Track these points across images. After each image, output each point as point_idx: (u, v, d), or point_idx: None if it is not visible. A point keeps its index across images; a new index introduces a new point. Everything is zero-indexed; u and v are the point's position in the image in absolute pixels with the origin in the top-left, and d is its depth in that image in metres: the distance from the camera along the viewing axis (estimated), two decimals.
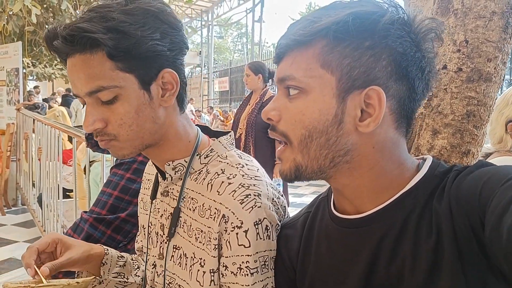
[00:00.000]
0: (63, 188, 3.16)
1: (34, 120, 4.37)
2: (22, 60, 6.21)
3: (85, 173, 2.42)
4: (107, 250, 1.00)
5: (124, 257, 1.04)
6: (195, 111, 15.74)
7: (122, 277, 1.02)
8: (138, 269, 1.07)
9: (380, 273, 0.66)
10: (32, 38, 7.56)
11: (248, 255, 0.77)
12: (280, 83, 0.70)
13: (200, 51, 22.99)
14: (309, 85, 0.66)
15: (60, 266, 0.87)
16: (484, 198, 0.56)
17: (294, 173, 0.69)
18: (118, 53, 0.75)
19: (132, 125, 0.79)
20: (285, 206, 0.88)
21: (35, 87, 12.25)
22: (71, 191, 3.13)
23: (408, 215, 0.65)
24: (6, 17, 6.49)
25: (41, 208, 3.71)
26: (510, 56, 1.01)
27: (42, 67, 9.98)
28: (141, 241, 1.09)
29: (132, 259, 1.07)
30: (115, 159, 1.40)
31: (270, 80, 3.62)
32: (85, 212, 1.34)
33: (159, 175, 0.94)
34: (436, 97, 1.01)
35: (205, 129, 0.97)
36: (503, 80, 0.98)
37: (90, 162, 2.32)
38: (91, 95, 0.78)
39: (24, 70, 8.21)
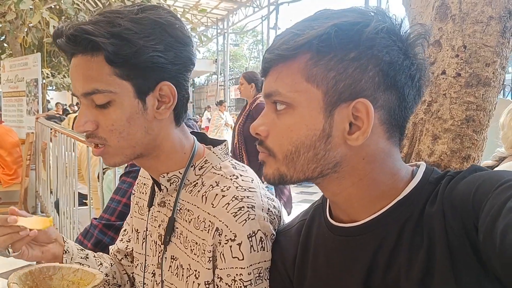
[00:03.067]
0: (79, 193, 3.22)
1: (51, 129, 4.46)
2: (42, 71, 6.36)
3: (98, 180, 2.47)
4: (67, 241, 1.01)
5: (84, 250, 1.04)
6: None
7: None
8: (101, 266, 1.05)
9: (376, 283, 0.65)
10: (50, 49, 7.72)
11: (242, 268, 0.77)
12: (267, 98, 0.70)
13: (216, 59, 23.13)
14: (295, 100, 0.65)
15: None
16: (477, 203, 0.56)
17: (278, 180, 0.69)
18: (117, 59, 0.76)
19: (122, 132, 0.80)
20: (280, 216, 0.88)
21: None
22: (87, 197, 3.19)
23: (404, 223, 0.64)
24: (26, 30, 6.65)
25: (58, 214, 3.79)
26: None
27: (61, 77, 10.21)
28: (128, 241, 1.09)
29: (94, 256, 1.05)
30: (125, 166, 1.43)
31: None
32: (95, 218, 1.37)
33: (155, 185, 0.94)
34: (435, 103, 1.02)
35: (202, 137, 0.97)
36: (503, 84, 0.98)
37: (103, 170, 2.36)
38: (86, 97, 0.79)
39: (43, 81, 8.41)
